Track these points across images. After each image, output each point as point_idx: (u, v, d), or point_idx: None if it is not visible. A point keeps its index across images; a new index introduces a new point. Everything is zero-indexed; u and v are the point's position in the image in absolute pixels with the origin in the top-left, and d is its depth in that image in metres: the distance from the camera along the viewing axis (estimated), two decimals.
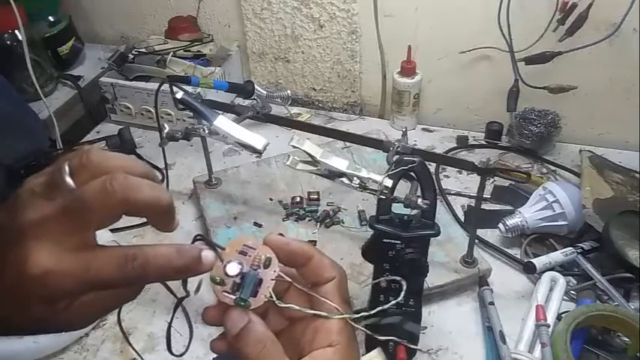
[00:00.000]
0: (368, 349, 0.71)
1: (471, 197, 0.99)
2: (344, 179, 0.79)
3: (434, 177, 0.97)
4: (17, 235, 0.31)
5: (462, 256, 0.83)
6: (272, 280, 0.39)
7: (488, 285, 0.81)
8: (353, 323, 0.41)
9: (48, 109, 1.13)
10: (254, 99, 0.95)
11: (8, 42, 1.13)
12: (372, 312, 0.44)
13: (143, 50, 1.21)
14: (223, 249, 0.39)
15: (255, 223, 0.91)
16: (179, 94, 0.82)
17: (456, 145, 1.13)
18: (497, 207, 0.98)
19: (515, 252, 0.88)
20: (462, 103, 1.17)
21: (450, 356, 0.75)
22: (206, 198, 0.96)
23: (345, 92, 1.23)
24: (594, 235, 0.85)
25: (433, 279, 0.79)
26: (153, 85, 1.13)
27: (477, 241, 0.86)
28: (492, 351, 0.74)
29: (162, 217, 0.36)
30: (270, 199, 0.96)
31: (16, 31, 1.12)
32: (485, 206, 0.95)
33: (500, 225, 0.89)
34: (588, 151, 1.03)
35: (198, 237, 0.39)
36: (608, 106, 1.07)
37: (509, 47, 1.03)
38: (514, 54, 1.03)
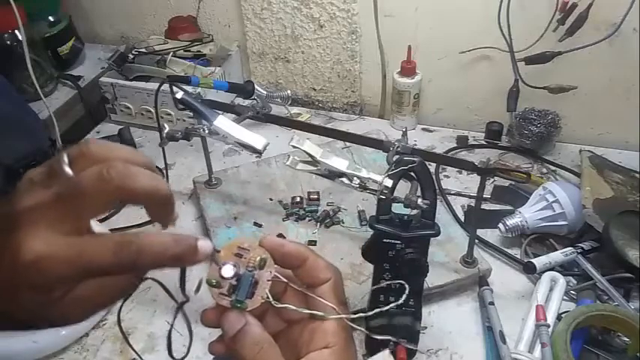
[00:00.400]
0: (368, 349, 0.71)
1: (471, 197, 0.99)
2: (344, 179, 0.79)
3: (434, 177, 0.97)
4: (13, 223, 0.31)
5: (462, 256, 0.83)
6: (268, 280, 0.39)
7: (488, 285, 0.81)
8: (351, 324, 0.41)
9: (48, 109, 1.13)
10: (254, 99, 0.95)
11: (8, 42, 1.13)
12: (370, 313, 0.44)
13: (143, 50, 1.21)
14: (219, 252, 0.39)
15: (255, 223, 0.91)
16: (179, 94, 0.82)
17: (456, 145, 1.13)
18: (497, 207, 0.98)
19: (515, 252, 0.88)
20: (462, 103, 1.17)
21: (449, 356, 0.75)
22: (206, 198, 0.96)
23: (345, 92, 1.23)
24: (594, 235, 0.85)
25: (433, 279, 0.79)
26: (153, 85, 1.13)
27: (477, 241, 0.86)
28: (492, 351, 0.74)
29: (161, 208, 0.36)
30: (270, 199, 0.96)
31: (16, 31, 1.12)
32: (485, 206, 0.95)
33: (500, 225, 0.89)
34: (588, 151, 1.03)
35: None
36: (608, 106, 1.07)
37: (509, 47, 1.03)
38: (514, 54, 1.03)
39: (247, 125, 0.82)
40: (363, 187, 0.78)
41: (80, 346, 0.78)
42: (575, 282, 0.82)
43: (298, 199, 0.94)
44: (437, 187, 0.91)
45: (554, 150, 1.10)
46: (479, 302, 0.81)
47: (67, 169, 0.32)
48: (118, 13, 1.36)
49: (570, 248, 0.84)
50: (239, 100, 1.13)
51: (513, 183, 0.98)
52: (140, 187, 0.33)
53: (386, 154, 0.77)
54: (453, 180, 1.04)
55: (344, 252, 0.85)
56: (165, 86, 0.87)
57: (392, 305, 0.46)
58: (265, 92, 0.98)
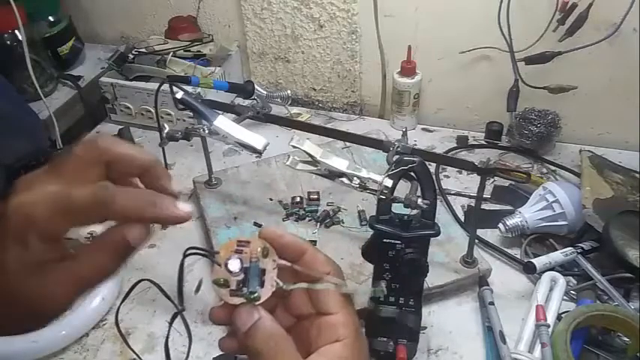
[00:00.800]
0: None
1: (471, 197, 0.99)
2: (344, 179, 0.79)
3: (434, 177, 0.97)
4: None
5: (462, 256, 0.83)
6: (274, 268, 0.39)
7: (488, 285, 0.81)
8: (356, 319, 0.41)
9: (48, 109, 1.13)
10: (254, 99, 0.95)
11: (8, 42, 1.13)
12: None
13: (143, 50, 1.21)
14: (217, 252, 0.40)
15: (255, 223, 0.91)
16: (179, 94, 0.82)
17: (456, 145, 1.13)
18: (497, 207, 0.98)
19: (515, 252, 0.88)
20: (461, 103, 1.17)
21: (450, 356, 0.75)
22: (206, 198, 0.96)
23: (345, 92, 1.23)
24: (594, 235, 0.85)
25: (433, 279, 0.79)
26: (153, 85, 1.13)
27: (477, 241, 0.86)
28: (492, 351, 0.74)
29: (151, 176, 0.37)
30: (270, 199, 0.96)
31: (16, 31, 1.12)
32: (485, 206, 0.95)
33: (500, 225, 0.89)
34: (588, 151, 1.03)
35: (190, 249, 0.39)
36: (608, 106, 1.07)
37: (509, 47, 1.03)
38: (514, 54, 1.03)
39: (247, 125, 0.82)
40: (363, 187, 0.78)
41: (80, 346, 0.78)
42: (575, 282, 0.82)
43: (298, 199, 0.94)
44: (437, 187, 0.91)
45: (554, 150, 1.10)
46: (479, 302, 0.81)
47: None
48: (118, 13, 1.36)
49: (570, 248, 0.84)
50: (239, 100, 1.13)
51: (513, 183, 0.98)
52: (122, 151, 0.36)
53: (386, 154, 0.77)
54: (453, 180, 1.04)
55: (344, 252, 0.85)
56: (165, 86, 0.87)
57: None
58: (265, 92, 0.98)
